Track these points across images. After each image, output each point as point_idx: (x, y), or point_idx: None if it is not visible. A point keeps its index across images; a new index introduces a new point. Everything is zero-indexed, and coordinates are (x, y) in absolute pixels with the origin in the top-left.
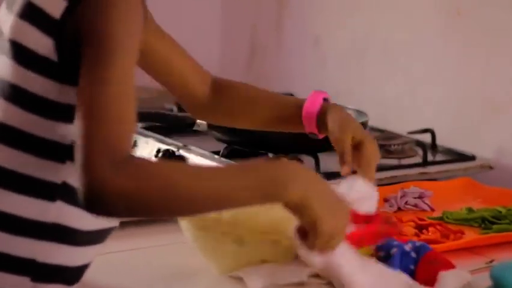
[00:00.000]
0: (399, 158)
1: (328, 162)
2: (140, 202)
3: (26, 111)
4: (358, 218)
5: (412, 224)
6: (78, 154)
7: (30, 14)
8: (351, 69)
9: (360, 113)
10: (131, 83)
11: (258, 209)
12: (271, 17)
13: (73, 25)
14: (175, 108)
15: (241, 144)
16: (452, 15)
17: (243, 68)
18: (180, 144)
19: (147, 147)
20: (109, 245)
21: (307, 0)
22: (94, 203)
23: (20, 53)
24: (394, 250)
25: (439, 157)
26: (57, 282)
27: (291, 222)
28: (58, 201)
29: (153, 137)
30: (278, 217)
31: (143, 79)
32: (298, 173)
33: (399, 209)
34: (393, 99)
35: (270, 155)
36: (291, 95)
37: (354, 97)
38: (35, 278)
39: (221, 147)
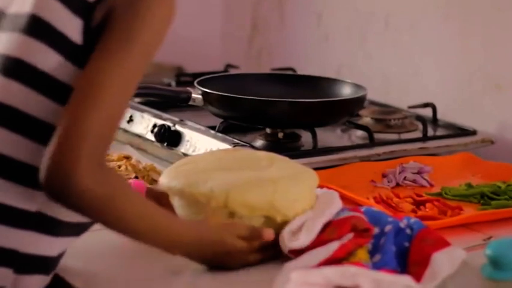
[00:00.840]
0: (399, 133)
1: (325, 137)
2: (97, 203)
3: (29, 89)
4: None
5: (409, 200)
6: (63, 133)
7: None
8: (354, 44)
9: (358, 86)
10: (135, 88)
11: (249, 185)
12: None
13: (103, 11)
14: (173, 83)
15: (237, 119)
16: None
17: (245, 44)
18: (176, 119)
19: (143, 122)
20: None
21: None
22: (57, 186)
23: (41, 29)
24: (388, 227)
25: (440, 132)
26: (38, 273)
27: (283, 198)
28: None
29: (149, 112)
30: (270, 193)
31: None
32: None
33: (397, 184)
34: (394, 74)
35: (268, 129)
36: (293, 70)
37: (356, 71)
38: (18, 270)
39: (217, 122)
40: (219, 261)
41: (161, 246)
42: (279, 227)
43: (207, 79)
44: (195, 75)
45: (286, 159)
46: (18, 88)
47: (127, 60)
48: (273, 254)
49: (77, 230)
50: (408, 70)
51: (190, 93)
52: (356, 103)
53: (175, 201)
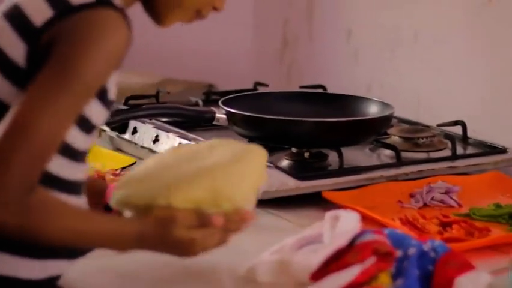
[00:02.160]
0: (428, 152)
1: (352, 155)
2: (19, 233)
3: None
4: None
5: (436, 221)
6: None
7: (13, 17)
8: (383, 61)
9: (386, 105)
10: (69, 124)
11: (187, 180)
12: (303, 10)
13: (50, 36)
14: (200, 102)
15: (262, 139)
16: (481, 4)
17: (275, 61)
18: (201, 139)
19: (168, 142)
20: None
21: None
22: None
23: None
24: (412, 250)
25: (469, 150)
26: None
27: (225, 183)
28: None
29: (174, 132)
30: (209, 182)
31: (168, 71)
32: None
33: (425, 204)
34: (423, 91)
35: (293, 149)
36: (323, 87)
37: (386, 88)
38: None
39: (242, 141)
40: (174, 252)
41: (105, 247)
42: (230, 213)
43: (233, 98)
44: (223, 94)
45: (230, 141)
46: None
47: (61, 100)
48: (229, 236)
49: (63, 253)
50: (438, 87)
51: (214, 113)
52: (383, 122)
53: (126, 213)
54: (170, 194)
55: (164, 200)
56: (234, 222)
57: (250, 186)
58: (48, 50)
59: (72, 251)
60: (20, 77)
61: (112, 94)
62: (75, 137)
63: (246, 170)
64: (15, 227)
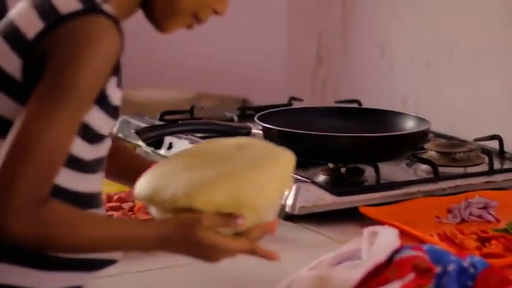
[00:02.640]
0: (465, 167)
1: (389, 171)
2: (35, 245)
3: None
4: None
5: (474, 236)
6: None
7: (8, 32)
8: (418, 75)
9: (422, 120)
10: (73, 132)
11: (210, 183)
12: (337, 23)
13: (43, 48)
14: (235, 117)
15: (298, 155)
16: None
17: (309, 75)
18: None
19: None
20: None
21: (373, 7)
22: None
23: None
24: (451, 266)
25: (507, 165)
26: None
27: (247, 188)
28: None
29: None
30: (231, 187)
31: (202, 86)
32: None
33: (463, 220)
34: (460, 106)
35: (330, 164)
36: (358, 102)
37: (421, 102)
38: None
39: None
40: (197, 255)
41: (128, 251)
42: (249, 219)
43: (269, 114)
44: (258, 109)
45: (259, 141)
46: None
47: (59, 111)
48: (254, 244)
49: (82, 265)
50: (474, 101)
51: (250, 128)
52: (420, 137)
53: (150, 209)
54: (192, 196)
55: (187, 201)
56: (255, 230)
57: (275, 192)
58: (42, 62)
59: (92, 263)
60: (18, 91)
61: (115, 100)
62: (80, 148)
63: (272, 175)
64: (34, 240)
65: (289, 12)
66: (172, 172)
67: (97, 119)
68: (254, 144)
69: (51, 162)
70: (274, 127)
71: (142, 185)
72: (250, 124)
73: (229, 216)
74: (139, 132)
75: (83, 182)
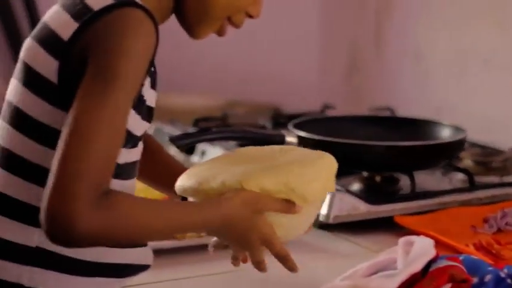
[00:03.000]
0: (501, 176)
1: (424, 180)
2: (104, 239)
3: (24, 136)
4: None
5: (511, 247)
6: (56, 177)
7: (43, 36)
8: (453, 83)
9: (458, 129)
10: (124, 120)
11: (262, 172)
12: (370, 30)
13: (80, 47)
14: (268, 125)
15: None
16: None
17: (342, 83)
18: None
19: None
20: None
21: (407, 14)
22: (58, 230)
23: (28, 75)
24: (488, 277)
25: None
26: None
27: (299, 179)
28: None
29: None
30: (284, 175)
31: (234, 93)
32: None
33: (499, 230)
34: (496, 114)
35: (364, 173)
36: (391, 109)
37: (456, 112)
38: None
39: None
40: (256, 236)
41: (188, 231)
42: (301, 213)
43: (303, 122)
44: (291, 117)
45: (301, 148)
46: (14, 135)
47: (109, 97)
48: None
49: (86, 267)
50: (509, 109)
51: (284, 136)
52: (456, 146)
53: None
54: (243, 185)
55: (238, 186)
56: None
57: (321, 189)
58: (81, 61)
59: (124, 269)
60: (54, 94)
61: (149, 101)
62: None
63: (319, 171)
64: (103, 233)
65: (322, 20)
66: (217, 167)
67: (131, 120)
68: (296, 148)
69: (111, 153)
70: (309, 136)
71: (186, 177)
72: (283, 132)
73: (290, 203)
74: (174, 140)
75: (116, 187)
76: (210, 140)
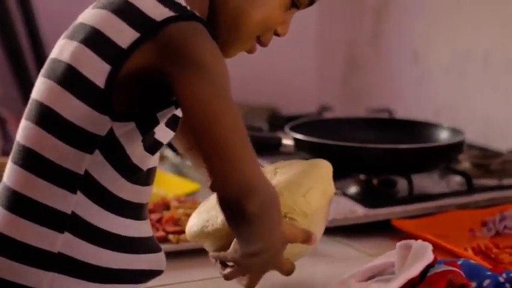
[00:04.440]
0: (500, 178)
1: (421, 182)
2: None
3: (50, 135)
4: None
5: (509, 250)
6: (228, 170)
7: (93, 40)
8: (451, 85)
9: (456, 131)
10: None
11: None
12: (368, 32)
13: (141, 57)
14: (264, 126)
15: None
16: None
17: (340, 83)
18: (266, 164)
19: None
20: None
21: (405, 15)
22: (255, 204)
23: (71, 78)
24: (487, 281)
25: None
26: None
27: (295, 195)
28: (66, 233)
29: None
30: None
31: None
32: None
33: (497, 233)
34: (495, 116)
35: (362, 176)
36: (389, 111)
37: (455, 113)
38: None
39: None
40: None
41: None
42: (302, 225)
43: (299, 124)
44: (288, 119)
45: (295, 161)
46: (40, 134)
47: (226, 102)
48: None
49: (109, 275)
50: (508, 111)
51: (280, 139)
52: (454, 149)
53: (205, 246)
54: None
55: None
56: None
57: (320, 197)
58: (140, 71)
59: (139, 274)
60: (98, 99)
61: (161, 138)
62: (143, 159)
63: (315, 179)
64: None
65: (320, 20)
66: (215, 204)
67: (139, 153)
68: (290, 163)
69: (244, 136)
70: (306, 138)
71: (191, 225)
72: (280, 134)
73: (310, 234)
74: (170, 143)
75: (136, 193)
76: None
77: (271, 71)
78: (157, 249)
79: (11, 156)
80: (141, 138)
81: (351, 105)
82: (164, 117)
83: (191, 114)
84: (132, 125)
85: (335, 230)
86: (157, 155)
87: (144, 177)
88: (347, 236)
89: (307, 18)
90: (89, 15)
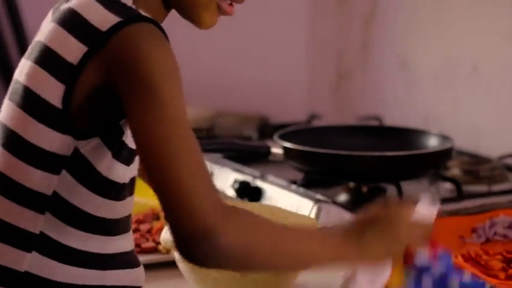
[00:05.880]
0: (489, 184)
1: (411, 189)
2: (251, 254)
3: (16, 158)
4: None
5: (499, 257)
6: (176, 205)
7: (44, 58)
8: (440, 92)
9: (445, 138)
10: (188, 121)
11: None
12: (357, 40)
13: (92, 70)
14: (254, 135)
15: (319, 174)
16: None
17: (330, 93)
18: (257, 174)
19: (223, 176)
20: None
21: (394, 24)
22: (203, 248)
23: (28, 99)
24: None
25: None
26: None
27: None
28: (34, 252)
29: (229, 166)
30: None
31: (221, 103)
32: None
33: (487, 240)
34: (483, 122)
35: (351, 184)
36: (379, 118)
37: (444, 121)
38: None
39: (298, 176)
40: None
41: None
42: (288, 276)
43: (289, 133)
44: (277, 127)
45: (283, 209)
46: (6, 156)
47: (169, 111)
48: None
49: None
50: (497, 117)
51: (269, 148)
52: (443, 156)
53: (177, 257)
54: None
55: None
56: None
57: None
58: (93, 86)
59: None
60: (55, 118)
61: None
62: (114, 170)
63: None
64: (246, 243)
65: (310, 29)
66: None
67: (115, 169)
68: (283, 211)
69: (201, 159)
70: (295, 147)
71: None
72: (269, 143)
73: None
74: None
75: (112, 209)
76: None
77: (261, 80)
78: (135, 264)
79: None
80: (110, 152)
81: (341, 113)
82: (127, 124)
83: (136, 140)
84: (97, 140)
85: None
86: (135, 164)
87: (120, 191)
88: None
89: (297, 27)
90: (44, 31)
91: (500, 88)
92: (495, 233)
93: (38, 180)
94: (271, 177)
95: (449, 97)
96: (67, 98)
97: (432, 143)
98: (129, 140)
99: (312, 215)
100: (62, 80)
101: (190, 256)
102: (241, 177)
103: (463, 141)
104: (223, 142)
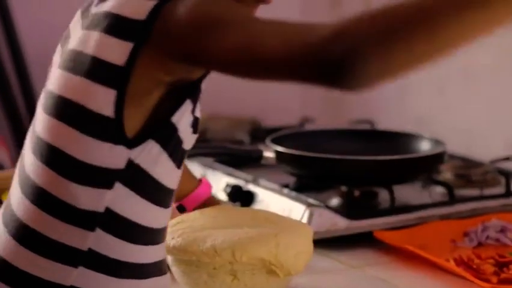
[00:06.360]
0: (481, 188)
1: (403, 193)
2: (389, 41)
3: (63, 177)
4: None
5: (491, 261)
6: (303, 52)
7: (89, 68)
8: (432, 95)
9: (437, 142)
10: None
11: (253, 240)
12: None
13: (144, 67)
14: (246, 139)
15: (311, 178)
16: None
17: (322, 95)
18: (249, 178)
19: (215, 180)
20: None
21: None
22: (352, 70)
23: (75, 114)
24: None
25: None
26: None
27: (286, 252)
28: (80, 267)
29: (221, 170)
30: (273, 247)
31: (213, 105)
32: None
33: (479, 243)
34: (475, 126)
35: (343, 188)
36: (371, 122)
37: (436, 124)
38: None
39: (290, 180)
40: None
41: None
42: (280, 282)
43: (280, 136)
44: (269, 131)
45: (278, 214)
46: (50, 174)
47: (230, 12)
48: None
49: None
50: (489, 121)
51: (262, 152)
52: (435, 160)
53: (170, 261)
54: (236, 252)
55: (229, 256)
56: None
57: (305, 259)
58: (154, 78)
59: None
60: (110, 130)
61: (186, 144)
62: (168, 174)
63: (303, 243)
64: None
65: None
66: (202, 228)
67: (165, 171)
68: (275, 215)
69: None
70: (287, 151)
71: (172, 235)
72: (261, 147)
73: None
74: None
75: (160, 217)
76: (188, 157)
77: (253, 83)
78: (165, 271)
79: (19, 185)
80: (165, 152)
81: (333, 117)
82: (180, 119)
83: (220, 57)
84: (151, 142)
85: (317, 243)
86: (181, 170)
87: (170, 198)
88: (329, 249)
89: None
90: (75, 38)
91: (492, 92)
92: (487, 237)
93: (88, 198)
94: (263, 181)
95: (441, 100)
96: (118, 104)
97: (425, 147)
98: (183, 136)
99: (304, 219)
100: (112, 85)
101: (350, 79)
102: (233, 181)
103: (455, 145)
104: (215, 146)
